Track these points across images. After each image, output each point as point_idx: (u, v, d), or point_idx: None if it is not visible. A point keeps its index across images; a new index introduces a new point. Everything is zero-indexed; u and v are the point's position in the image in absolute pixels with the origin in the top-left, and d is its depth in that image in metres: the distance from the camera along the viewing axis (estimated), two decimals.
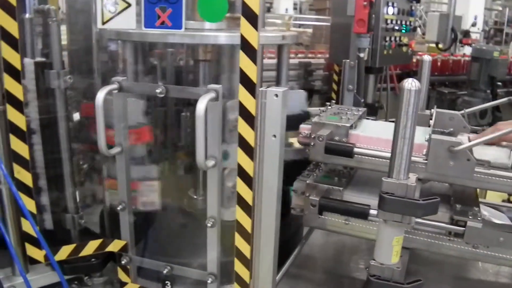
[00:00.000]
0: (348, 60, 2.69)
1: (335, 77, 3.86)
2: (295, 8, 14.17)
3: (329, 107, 2.32)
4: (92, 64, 2.34)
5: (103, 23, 2.07)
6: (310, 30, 5.36)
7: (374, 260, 1.75)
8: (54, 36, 2.14)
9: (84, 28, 2.34)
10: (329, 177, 2.20)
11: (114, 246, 2.32)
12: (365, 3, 2.53)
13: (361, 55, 2.74)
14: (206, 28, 2.21)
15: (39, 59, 2.21)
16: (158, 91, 2.01)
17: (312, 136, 2.02)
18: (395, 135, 1.61)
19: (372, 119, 2.49)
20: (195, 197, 2.67)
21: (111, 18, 2.05)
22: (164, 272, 2.24)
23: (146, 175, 2.21)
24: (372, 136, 2.08)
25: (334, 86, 3.90)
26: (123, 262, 2.31)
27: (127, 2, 2.02)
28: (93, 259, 2.35)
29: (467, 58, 6.11)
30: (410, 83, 1.56)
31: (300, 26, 5.27)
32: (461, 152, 1.82)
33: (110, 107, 2.11)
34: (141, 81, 2.22)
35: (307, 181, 2.11)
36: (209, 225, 2.10)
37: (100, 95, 1.99)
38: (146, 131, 2.20)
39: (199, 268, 2.25)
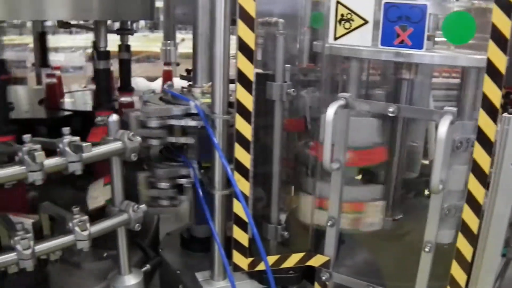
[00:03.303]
0: None
1: None
2: None
3: None
4: None
5: (335, 38, 2.08)
6: None
7: None
8: (280, 48, 2.17)
9: None
10: None
11: (316, 261, 2.32)
12: None
13: None
14: None
15: (258, 70, 2.26)
16: (391, 110, 1.99)
17: None
18: None
19: None
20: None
21: (344, 34, 2.06)
22: None
23: (372, 196, 2.19)
24: None
25: None
26: (323, 278, 2.30)
27: (364, 20, 2.02)
28: (291, 272, 2.35)
29: None
30: None
31: None
32: None
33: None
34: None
35: None
36: (426, 249, 2.05)
37: (331, 111, 2.00)
38: (382, 152, 2.17)
39: None
